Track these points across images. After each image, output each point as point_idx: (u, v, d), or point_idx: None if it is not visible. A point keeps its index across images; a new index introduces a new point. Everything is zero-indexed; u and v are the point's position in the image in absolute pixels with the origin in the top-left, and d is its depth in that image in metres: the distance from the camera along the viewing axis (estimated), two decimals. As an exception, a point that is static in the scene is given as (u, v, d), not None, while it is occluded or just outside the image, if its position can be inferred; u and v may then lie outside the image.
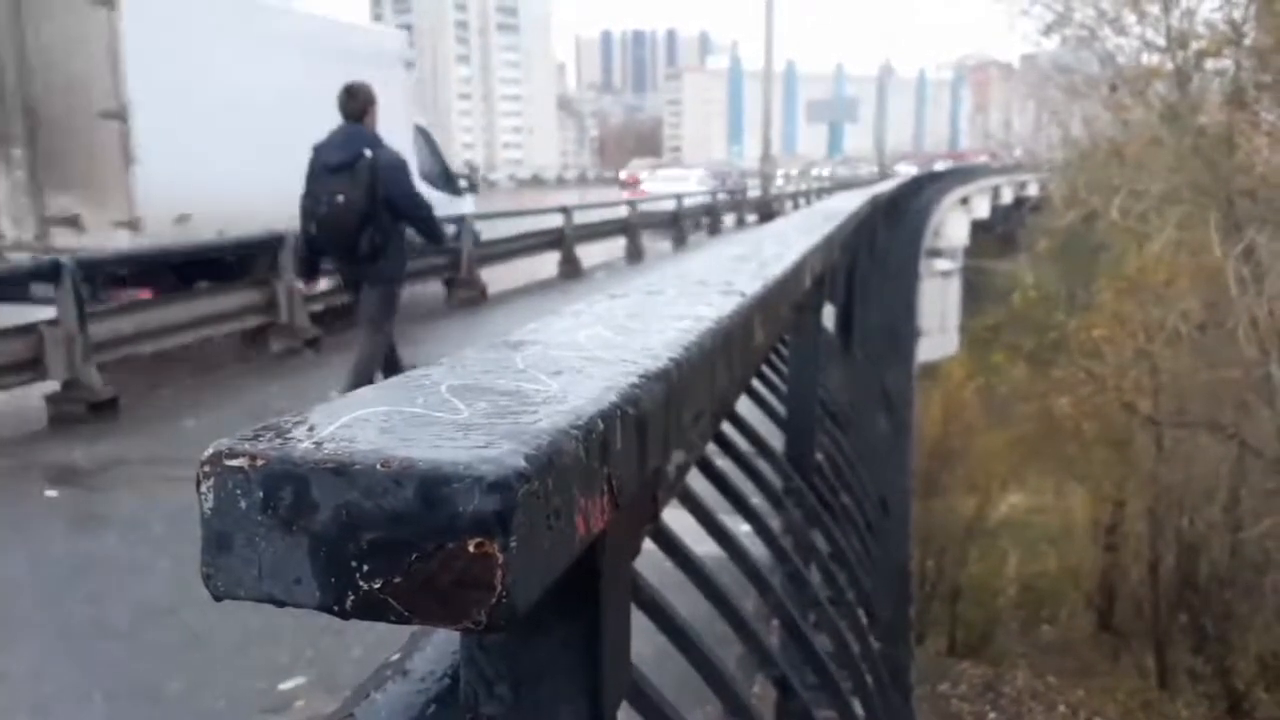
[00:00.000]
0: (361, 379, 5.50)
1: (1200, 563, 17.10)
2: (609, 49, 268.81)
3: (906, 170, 37.00)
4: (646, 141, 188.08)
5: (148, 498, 5.07)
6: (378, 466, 0.41)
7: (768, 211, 25.56)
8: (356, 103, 5.72)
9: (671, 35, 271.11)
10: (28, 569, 4.18)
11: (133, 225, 8.12)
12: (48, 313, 6.62)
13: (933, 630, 19.33)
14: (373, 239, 5.66)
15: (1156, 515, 18.23)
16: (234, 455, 0.42)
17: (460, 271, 12.15)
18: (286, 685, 3.18)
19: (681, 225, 21.17)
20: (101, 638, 3.54)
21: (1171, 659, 17.56)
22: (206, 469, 0.42)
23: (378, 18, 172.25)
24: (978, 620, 20.56)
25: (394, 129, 7.53)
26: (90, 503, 5.04)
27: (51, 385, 6.57)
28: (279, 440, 0.43)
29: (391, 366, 5.93)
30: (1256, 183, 13.78)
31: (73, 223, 8.17)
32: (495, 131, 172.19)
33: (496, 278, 12.87)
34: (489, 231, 13.59)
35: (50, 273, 6.57)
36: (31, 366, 6.51)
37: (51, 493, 5.16)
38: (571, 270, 15.28)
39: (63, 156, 8.15)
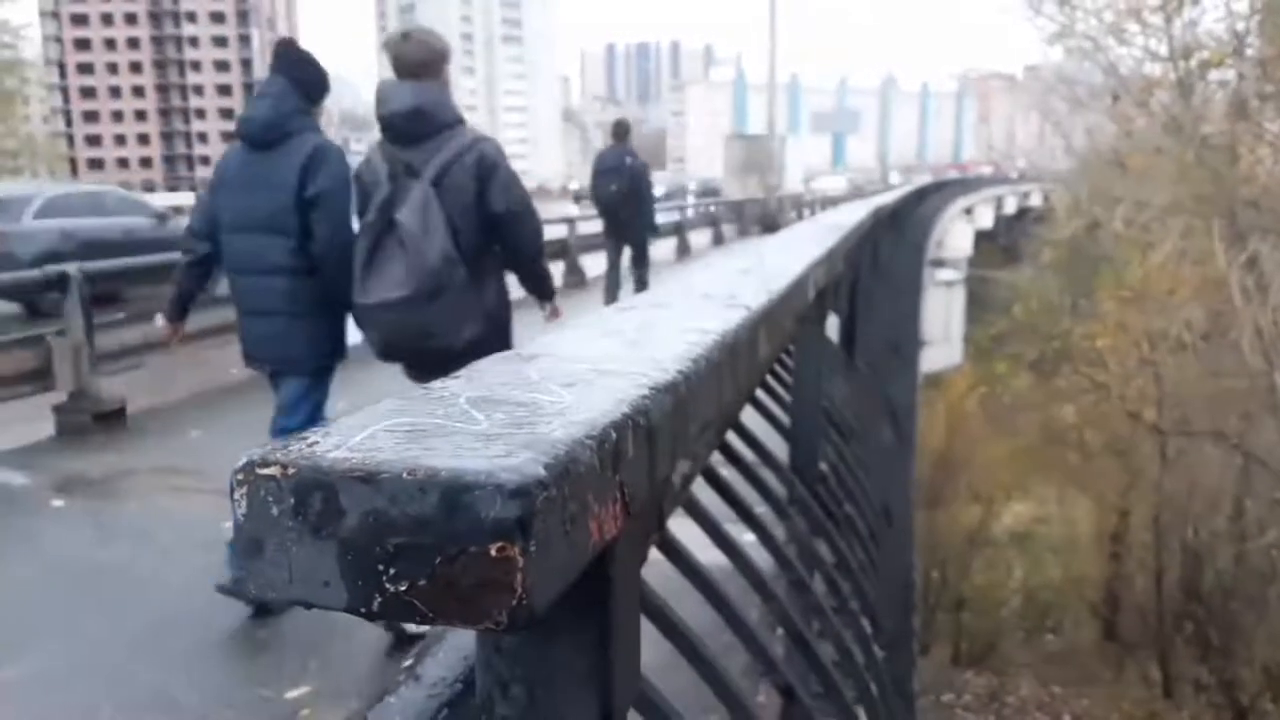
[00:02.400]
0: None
1: (1205, 573, 17.04)
2: (613, 61, 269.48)
3: (900, 180, 36.87)
4: (651, 153, 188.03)
5: (155, 508, 5.09)
6: (404, 475, 0.43)
7: (771, 224, 25.60)
8: (623, 129, 9.81)
9: (676, 47, 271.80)
10: (35, 579, 4.20)
11: None
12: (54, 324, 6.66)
13: (937, 640, 19.28)
14: (631, 214, 9.64)
15: (1161, 525, 18.17)
16: (266, 464, 0.44)
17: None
18: (293, 694, 3.20)
19: (684, 235, 21.26)
20: (109, 648, 3.55)
21: (1176, 669, 17.49)
22: (240, 477, 0.45)
23: (383, 30, 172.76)
24: (982, 630, 20.50)
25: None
26: (98, 513, 5.05)
27: (58, 396, 6.60)
28: (309, 450, 0.45)
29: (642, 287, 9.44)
30: (1259, 193, 13.79)
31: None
32: (500, 143, 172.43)
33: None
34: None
35: (58, 283, 6.60)
36: (39, 377, 6.53)
37: (59, 503, 5.17)
38: (576, 280, 15.32)
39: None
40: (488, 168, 3.55)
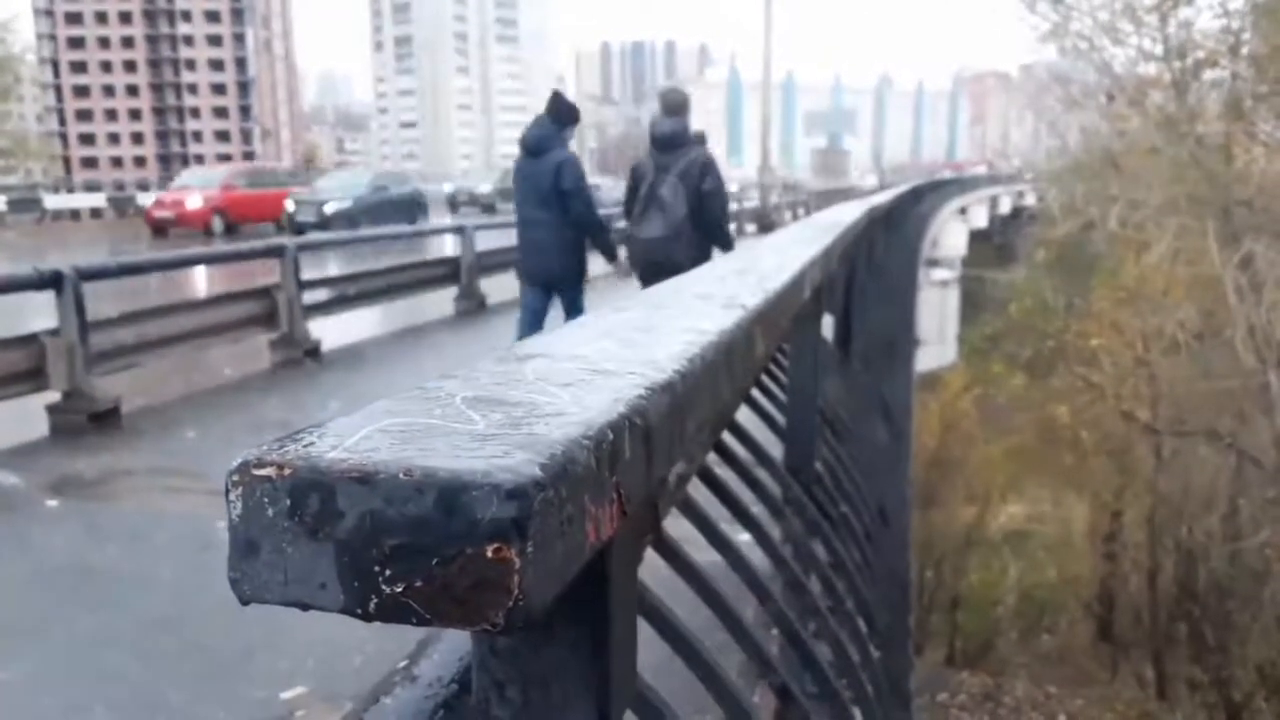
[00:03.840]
0: None
1: (1199, 572, 17.08)
2: (608, 60, 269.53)
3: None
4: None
5: (150, 508, 5.08)
6: (400, 475, 0.42)
7: (767, 222, 25.62)
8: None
9: (670, 46, 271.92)
10: (29, 579, 4.19)
11: None
12: (48, 323, 6.64)
13: (932, 640, 19.31)
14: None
15: (1155, 524, 18.22)
16: (262, 465, 0.44)
17: (460, 281, 12.20)
18: (287, 695, 3.19)
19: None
20: (103, 648, 3.54)
21: (1170, 668, 17.55)
22: (235, 478, 0.44)
23: (377, 29, 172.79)
24: (977, 630, 20.54)
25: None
26: (92, 513, 5.04)
27: (52, 395, 6.58)
28: (304, 450, 0.45)
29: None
30: (1253, 192, 13.83)
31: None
32: (494, 142, 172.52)
33: (496, 287, 12.89)
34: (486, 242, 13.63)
35: (51, 282, 6.59)
36: (33, 376, 6.51)
37: (53, 503, 5.16)
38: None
39: None
40: (704, 167, 6.29)
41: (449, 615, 0.43)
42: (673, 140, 6.32)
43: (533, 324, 6.68)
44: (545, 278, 6.65)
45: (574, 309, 6.65)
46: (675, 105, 6.52)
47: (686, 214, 6.22)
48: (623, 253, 6.82)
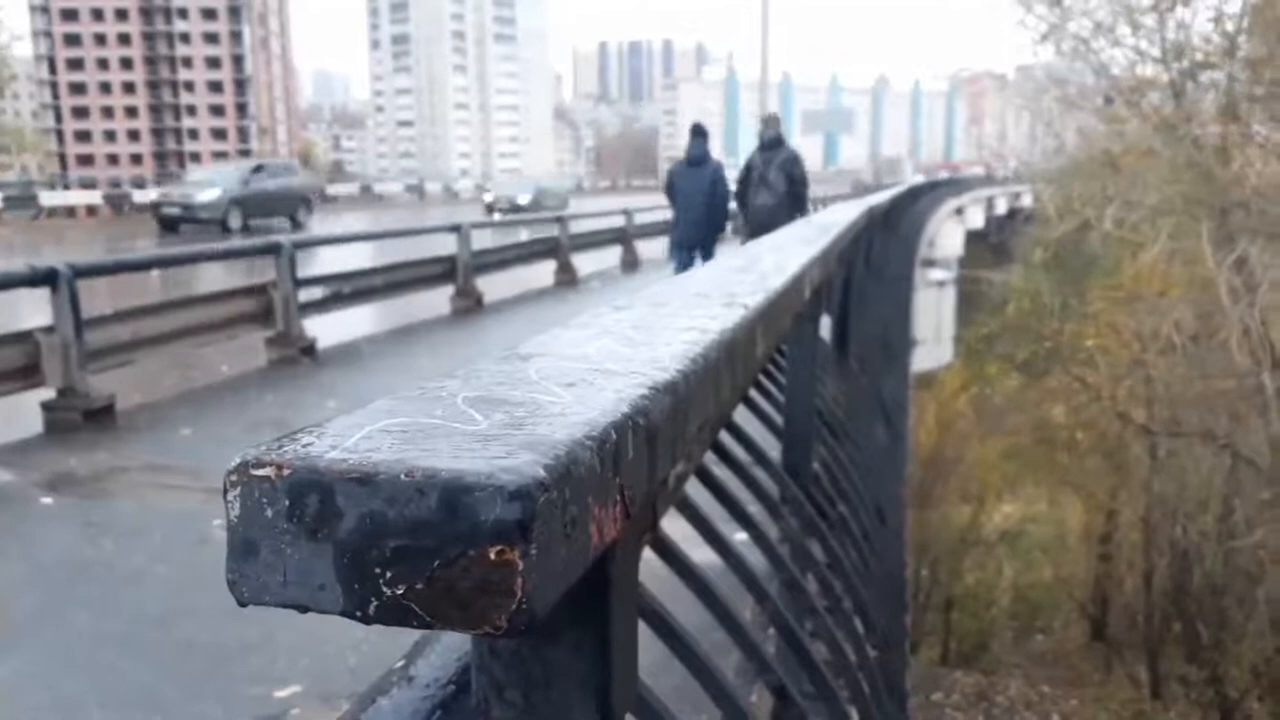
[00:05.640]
0: None
1: (1194, 572, 17.10)
2: (606, 60, 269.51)
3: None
4: (642, 152, 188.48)
5: (145, 505, 5.07)
6: (401, 476, 0.42)
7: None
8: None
9: (668, 46, 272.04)
10: (24, 576, 4.18)
11: None
12: (43, 320, 6.62)
13: (926, 639, 19.33)
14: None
15: (1150, 524, 18.24)
16: (260, 465, 0.43)
17: (456, 280, 12.18)
18: (282, 693, 3.18)
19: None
20: (98, 645, 3.53)
21: (1165, 668, 17.57)
22: (233, 478, 0.44)
23: (374, 27, 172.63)
24: (971, 629, 20.56)
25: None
26: (87, 510, 5.03)
27: (47, 392, 6.56)
28: (303, 450, 0.44)
29: None
30: (1249, 194, 13.84)
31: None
32: (492, 141, 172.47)
33: (492, 286, 12.89)
34: (481, 241, 13.64)
35: (46, 279, 6.57)
36: (28, 373, 6.49)
37: (48, 500, 5.15)
38: (567, 279, 15.32)
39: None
40: (795, 161, 9.98)
41: (451, 618, 0.42)
42: (773, 144, 10.17)
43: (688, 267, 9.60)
44: (695, 242, 10.12)
45: (709, 257, 9.73)
46: (774, 123, 10.45)
47: (785, 190, 9.80)
48: (733, 224, 11.46)
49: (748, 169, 10.02)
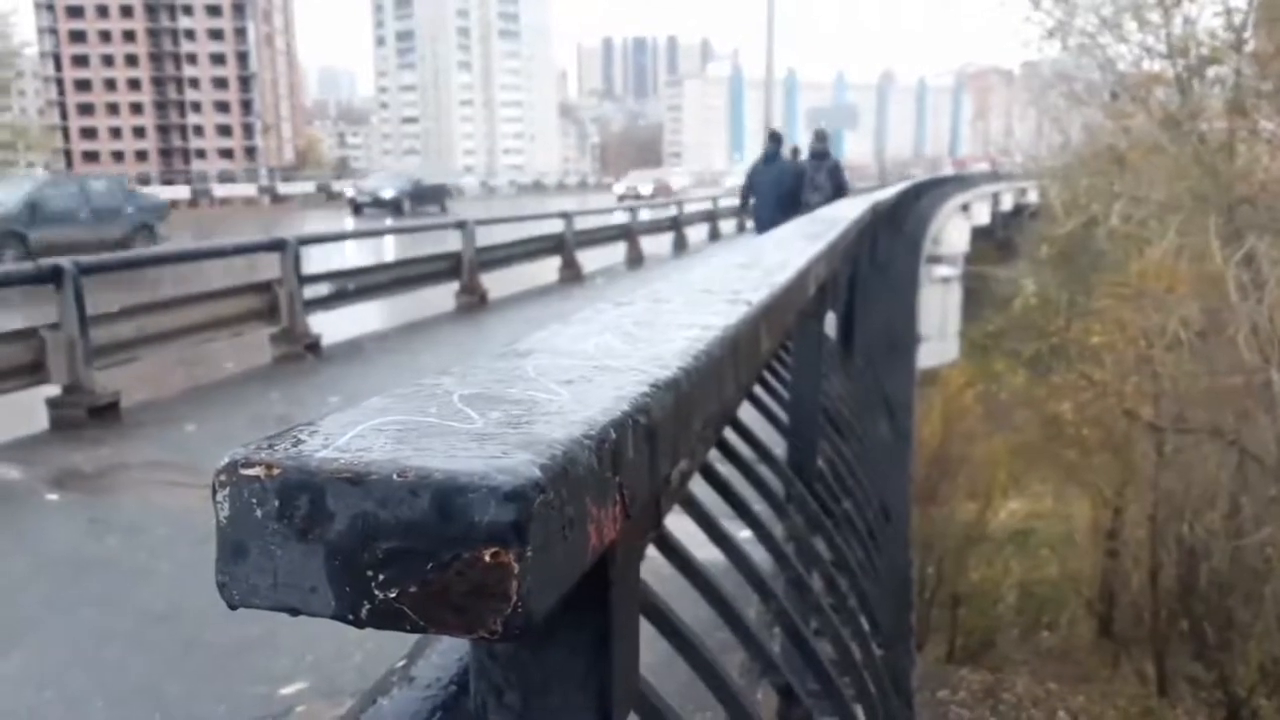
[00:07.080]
0: None
1: (1201, 569, 17.06)
2: (610, 56, 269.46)
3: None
4: (647, 148, 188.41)
5: (149, 502, 5.07)
6: (394, 476, 0.41)
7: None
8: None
9: (673, 42, 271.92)
10: (29, 573, 4.18)
11: None
12: (49, 317, 6.63)
13: (933, 637, 19.30)
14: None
15: (1157, 521, 18.20)
16: (250, 464, 0.42)
17: (461, 276, 12.18)
18: (287, 690, 3.18)
19: (681, 231, 21.33)
20: (102, 642, 3.53)
21: (1172, 665, 17.53)
22: (222, 478, 0.42)
23: (379, 24, 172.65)
24: (978, 626, 20.52)
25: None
26: (91, 507, 5.03)
27: (53, 389, 6.57)
28: (294, 449, 0.43)
29: None
30: (1256, 190, 13.81)
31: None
32: (496, 137, 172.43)
33: (497, 282, 12.89)
34: (488, 237, 13.64)
35: (51, 276, 6.57)
36: (33, 370, 6.50)
37: (52, 496, 5.15)
38: (572, 275, 15.33)
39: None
40: (837, 167, 13.37)
41: (445, 622, 0.41)
42: (821, 154, 13.22)
43: None
44: (772, 225, 11.29)
45: None
46: (823, 137, 13.43)
47: (831, 192, 12.21)
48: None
49: (799, 174, 13.09)
